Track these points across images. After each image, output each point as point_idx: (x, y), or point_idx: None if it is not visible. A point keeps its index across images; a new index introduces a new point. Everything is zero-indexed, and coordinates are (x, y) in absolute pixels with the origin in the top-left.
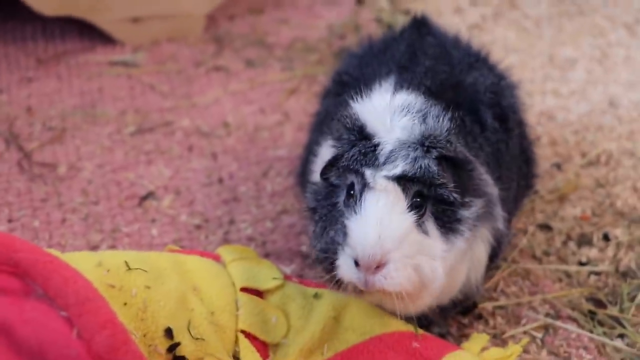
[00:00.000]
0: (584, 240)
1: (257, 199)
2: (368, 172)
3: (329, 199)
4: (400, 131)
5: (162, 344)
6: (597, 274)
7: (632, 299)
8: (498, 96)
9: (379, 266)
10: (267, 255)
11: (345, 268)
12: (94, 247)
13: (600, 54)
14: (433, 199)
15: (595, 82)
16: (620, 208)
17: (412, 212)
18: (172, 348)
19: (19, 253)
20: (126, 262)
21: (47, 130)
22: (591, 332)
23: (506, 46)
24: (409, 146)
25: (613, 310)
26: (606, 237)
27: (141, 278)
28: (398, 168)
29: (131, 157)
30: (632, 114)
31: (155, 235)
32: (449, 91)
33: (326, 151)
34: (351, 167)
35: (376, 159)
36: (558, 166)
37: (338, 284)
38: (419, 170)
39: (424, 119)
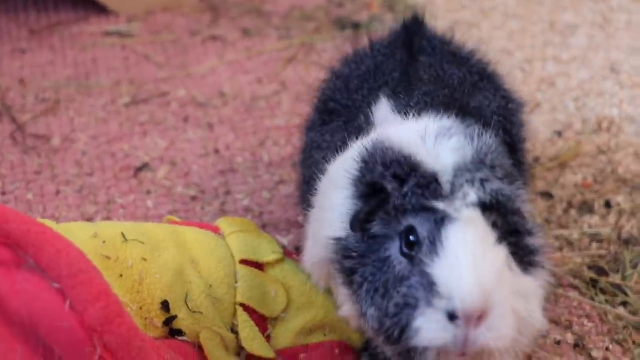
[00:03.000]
0: (586, 208)
1: (254, 169)
2: (442, 205)
3: (373, 254)
4: (451, 153)
5: (158, 317)
6: (599, 241)
7: (635, 266)
8: (506, 120)
9: (481, 316)
10: (264, 226)
11: (432, 328)
12: (88, 219)
13: (602, 19)
14: (505, 229)
15: (596, 47)
16: (621, 174)
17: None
18: (168, 321)
19: (10, 223)
20: (122, 233)
21: (41, 101)
22: (592, 299)
23: (506, 12)
24: (469, 169)
25: (615, 278)
26: (608, 204)
27: (137, 249)
28: (471, 195)
29: (126, 128)
30: (634, 79)
31: (151, 206)
32: (450, 114)
33: (337, 202)
34: (410, 206)
35: (441, 189)
36: (559, 133)
37: (413, 354)
38: (493, 194)
39: (471, 136)
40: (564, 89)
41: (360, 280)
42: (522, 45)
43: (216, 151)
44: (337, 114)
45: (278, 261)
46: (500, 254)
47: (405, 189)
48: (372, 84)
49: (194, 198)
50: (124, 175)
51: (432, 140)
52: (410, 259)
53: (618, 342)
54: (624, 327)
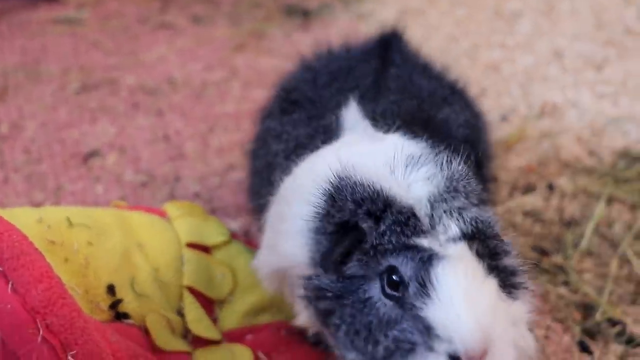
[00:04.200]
0: (529, 190)
1: (204, 155)
2: (426, 242)
3: (351, 296)
4: (424, 184)
5: (105, 301)
6: (542, 222)
7: (576, 247)
8: (473, 135)
9: (483, 355)
10: (213, 211)
11: None
12: (37, 206)
13: (546, 6)
14: (486, 255)
15: (541, 34)
16: (564, 158)
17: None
18: (114, 305)
19: None
20: (68, 218)
21: None
22: (535, 279)
23: (452, 0)
24: (445, 199)
25: (557, 259)
26: (551, 187)
27: (83, 234)
28: (453, 228)
29: (75, 115)
30: (577, 65)
31: (100, 193)
32: (416, 126)
33: (299, 215)
34: (390, 246)
35: (421, 224)
36: (504, 118)
37: None
38: (473, 223)
39: (441, 164)
40: (509, 75)
41: (339, 322)
42: (469, 32)
43: (166, 138)
44: (300, 105)
45: (225, 244)
46: (492, 286)
47: (382, 227)
48: (342, 84)
49: (144, 184)
50: (74, 162)
51: (401, 171)
52: (396, 300)
53: (559, 321)
54: (566, 305)
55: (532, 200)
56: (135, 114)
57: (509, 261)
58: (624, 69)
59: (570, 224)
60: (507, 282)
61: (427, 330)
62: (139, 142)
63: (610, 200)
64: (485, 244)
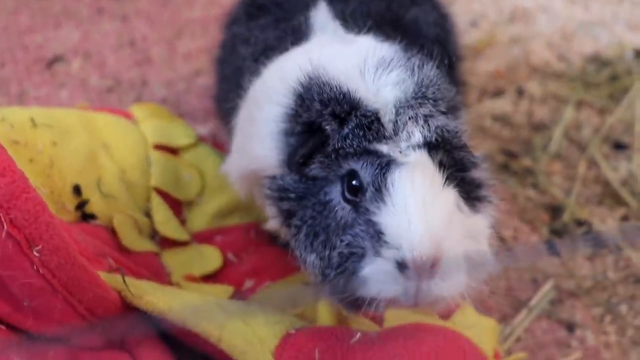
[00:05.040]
0: (498, 95)
1: (171, 60)
2: (386, 148)
3: (313, 197)
4: (392, 89)
5: (71, 201)
6: (511, 126)
7: (544, 150)
8: (444, 35)
9: (433, 266)
10: (181, 116)
11: (381, 279)
12: None
13: None
14: (451, 166)
15: None
16: (534, 63)
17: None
18: (80, 205)
19: None
20: (32, 118)
21: None
22: (504, 182)
23: None
24: (411, 105)
25: (526, 161)
26: (520, 92)
27: (47, 134)
28: (416, 135)
29: (38, 20)
30: None
31: (65, 99)
32: (386, 27)
33: (269, 117)
34: (351, 149)
35: (384, 130)
36: (473, 23)
37: (361, 304)
38: (439, 132)
39: (412, 69)
40: None
41: (300, 223)
42: None
43: (132, 43)
44: (266, 10)
45: (192, 146)
46: (449, 196)
47: (345, 130)
48: None
49: (109, 89)
50: (37, 67)
51: (371, 74)
52: (354, 205)
53: (527, 222)
54: (534, 207)
55: (501, 105)
56: (100, 18)
57: (475, 174)
58: None
59: (539, 127)
60: (471, 194)
61: (378, 236)
62: (104, 47)
63: (579, 105)
64: (450, 155)
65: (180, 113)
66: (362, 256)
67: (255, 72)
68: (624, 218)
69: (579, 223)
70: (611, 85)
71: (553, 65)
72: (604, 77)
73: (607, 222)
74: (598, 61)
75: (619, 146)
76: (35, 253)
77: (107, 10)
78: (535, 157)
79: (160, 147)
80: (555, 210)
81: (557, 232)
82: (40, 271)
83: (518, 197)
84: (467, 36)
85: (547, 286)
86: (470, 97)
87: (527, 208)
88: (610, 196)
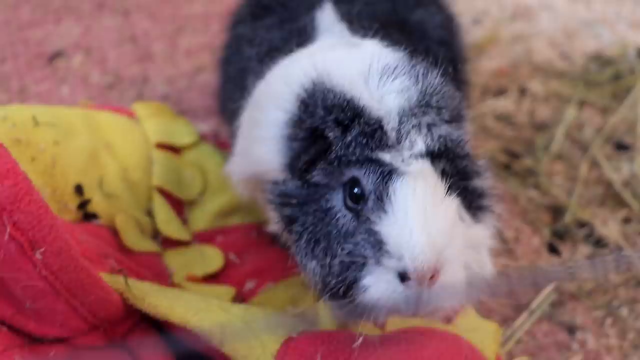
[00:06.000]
0: (501, 94)
1: (172, 56)
2: (388, 157)
3: (314, 204)
4: (396, 97)
5: (73, 201)
6: (513, 126)
7: (546, 150)
8: (449, 37)
9: (433, 276)
10: (182, 113)
11: (382, 288)
12: None
13: None
14: (454, 175)
15: None
16: (536, 61)
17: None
18: (82, 205)
19: None
20: (34, 117)
21: None
22: (505, 182)
23: None
24: (414, 113)
25: (528, 161)
26: (522, 91)
27: (50, 133)
28: (419, 144)
29: (38, 15)
30: None
31: (66, 94)
32: (392, 29)
33: (273, 121)
34: (354, 157)
35: (387, 138)
36: (476, 21)
37: (361, 312)
38: (442, 141)
39: (416, 77)
40: None
41: (301, 229)
42: None
43: (133, 38)
44: (271, 10)
45: (194, 145)
46: (451, 206)
47: (348, 137)
48: None
49: (110, 86)
50: (38, 62)
51: (375, 81)
52: (356, 213)
53: (529, 223)
54: (536, 208)
55: (504, 104)
56: (101, 14)
57: (478, 183)
58: None
59: (541, 127)
60: (474, 204)
61: (379, 245)
62: (106, 42)
63: (581, 104)
64: (454, 164)
65: (181, 110)
66: (363, 265)
67: (260, 74)
68: (626, 220)
69: (581, 224)
70: (614, 85)
71: (555, 63)
72: (607, 76)
73: (608, 224)
74: (600, 60)
75: (621, 147)
76: (38, 255)
77: (108, 5)
78: (537, 158)
79: (163, 146)
80: (556, 211)
81: (559, 234)
82: (43, 273)
83: (520, 197)
84: (470, 34)
85: (548, 288)
86: (473, 96)
87: (528, 209)
88: (612, 197)
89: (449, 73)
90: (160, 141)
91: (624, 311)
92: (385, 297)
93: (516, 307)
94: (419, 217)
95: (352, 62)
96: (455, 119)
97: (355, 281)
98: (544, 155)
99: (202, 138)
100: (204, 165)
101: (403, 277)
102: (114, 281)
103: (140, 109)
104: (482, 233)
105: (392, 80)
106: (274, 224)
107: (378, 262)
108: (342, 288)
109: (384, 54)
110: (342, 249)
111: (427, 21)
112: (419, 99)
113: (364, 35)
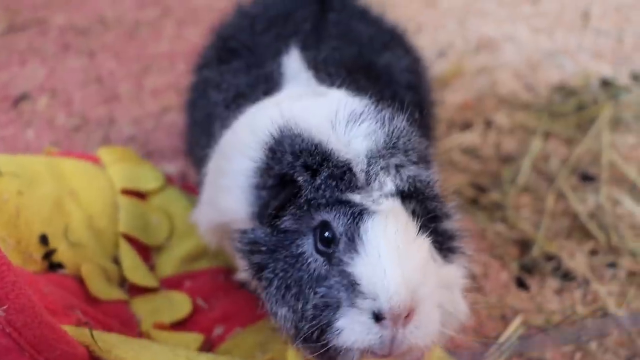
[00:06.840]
0: (467, 127)
1: (138, 97)
2: (358, 197)
3: (284, 250)
4: (363, 140)
5: (38, 251)
6: (480, 159)
7: (513, 182)
8: (416, 80)
9: (408, 315)
10: (150, 154)
11: (356, 330)
12: None
13: None
14: (424, 216)
15: None
16: (501, 93)
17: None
18: (48, 255)
19: None
20: None
21: None
22: (473, 217)
23: None
24: (382, 155)
25: (495, 195)
26: (488, 123)
27: (13, 183)
28: (388, 185)
29: (3, 57)
30: None
31: (32, 138)
32: (359, 74)
33: (239, 170)
34: (323, 200)
35: (357, 180)
36: (441, 53)
37: (334, 355)
38: (411, 181)
39: (382, 120)
40: (446, 9)
41: (271, 276)
42: None
43: (99, 79)
44: (238, 54)
45: (160, 189)
46: (423, 245)
47: (318, 181)
48: (280, 30)
49: (77, 128)
50: (3, 106)
51: (342, 126)
52: (327, 256)
53: (497, 257)
54: (503, 242)
55: (470, 137)
56: (66, 55)
57: (448, 225)
58: (559, 2)
59: (507, 159)
60: (444, 245)
61: (352, 286)
62: (71, 84)
63: (546, 135)
64: (424, 205)
65: (148, 151)
66: (337, 307)
67: (227, 120)
68: (593, 252)
69: (549, 257)
70: (578, 115)
71: (520, 95)
72: (571, 106)
73: (575, 257)
74: (564, 91)
75: (587, 178)
76: (0, 313)
77: (73, 46)
78: (503, 191)
79: (128, 192)
80: (524, 245)
81: (527, 268)
82: (7, 330)
83: (487, 232)
84: (434, 67)
85: (517, 321)
86: (439, 130)
87: (496, 243)
88: (578, 229)
89: (416, 117)
90: (125, 187)
91: (593, 345)
92: (360, 338)
93: (484, 341)
94: (392, 255)
95: (319, 110)
96: (423, 161)
97: (329, 324)
98: (511, 188)
99: (169, 181)
100: (170, 209)
101: (378, 317)
102: (80, 334)
103: (105, 154)
104: (454, 272)
105: (359, 125)
106: (243, 272)
107: (352, 304)
108: (315, 332)
109: (350, 101)
110: (315, 293)
111: (394, 65)
112: (386, 142)
113: (331, 83)
